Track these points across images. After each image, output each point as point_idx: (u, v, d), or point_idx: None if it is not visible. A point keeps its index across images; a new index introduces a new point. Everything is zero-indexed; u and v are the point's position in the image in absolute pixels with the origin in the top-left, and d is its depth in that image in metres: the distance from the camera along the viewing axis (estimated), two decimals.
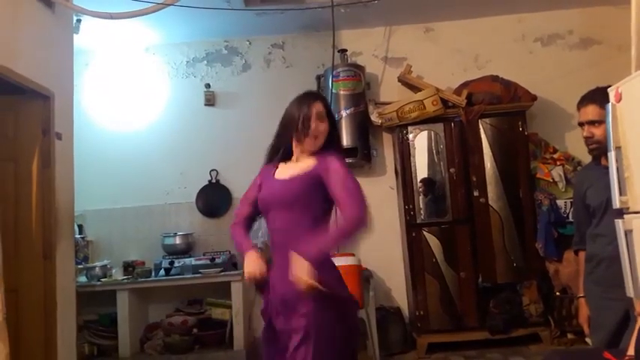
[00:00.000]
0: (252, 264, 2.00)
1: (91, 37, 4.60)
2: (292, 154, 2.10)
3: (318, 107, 2.03)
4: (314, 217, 1.98)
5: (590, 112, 2.23)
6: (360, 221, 1.89)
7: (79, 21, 4.03)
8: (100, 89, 5.07)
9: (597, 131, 2.20)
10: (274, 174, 2.10)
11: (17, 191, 3.27)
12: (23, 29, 3.22)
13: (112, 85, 5.08)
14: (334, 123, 2.12)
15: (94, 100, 5.04)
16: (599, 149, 2.22)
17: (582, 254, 2.40)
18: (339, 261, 4.08)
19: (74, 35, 3.94)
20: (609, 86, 2.08)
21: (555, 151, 4.62)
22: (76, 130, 3.82)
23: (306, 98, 2.08)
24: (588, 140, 2.26)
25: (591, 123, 2.23)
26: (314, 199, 1.97)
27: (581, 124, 2.30)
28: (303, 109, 2.02)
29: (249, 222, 2.19)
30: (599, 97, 2.19)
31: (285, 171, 2.06)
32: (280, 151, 2.11)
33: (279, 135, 2.12)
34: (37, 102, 3.34)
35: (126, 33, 4.76)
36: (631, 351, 1.44)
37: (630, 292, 1.86)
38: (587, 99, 2.27)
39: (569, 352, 2.37)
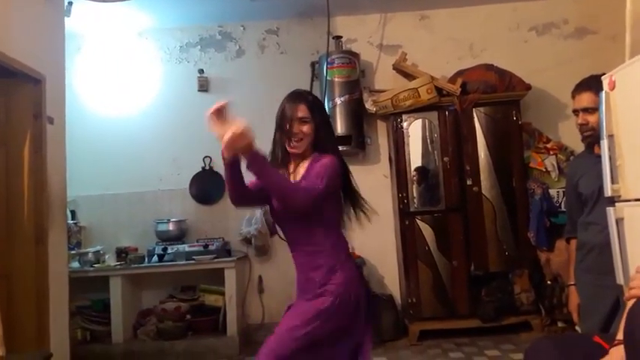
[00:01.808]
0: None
1: (83, 21, 4.55)
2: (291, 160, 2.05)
3: (300, 110, 1.97)
4: (326, 226, 1.98)
5: (585, 99, 2.23)
6: (291, 195, 1.87)
7: (70, 4, 3.96)
8: (93, 74, 5.02)
9: (592, 118, 2.20)
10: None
11: (8, 176, 3.25)
12: (14, 12, 3.18)
13: (105, 69, 5.04)
14: (324, 122, 2.05)
15: (86, 85, 5.00)
16: (592, 137, 2.22)
17: (574, 242, 2.42)
18: None
19: (65, 18, 3.89)
20: (604, 74, 2.08)
21: (549, 140, 4.63)
22: (68, 115, 3.79)
23: (289, 100, 2.02)
24: (582, 127, 2.27)
25: (586, 110, 2.23)
26: (319, 207, 1.92)
27: (575, 112, 2.30)
28: (286, 112, 1.99)
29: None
30: (594, 84, 2.18)
31: (292, 177, 2.03)
32: (280, 157, 2.03)
33: (273, 139, 2.06)
34: (29, 86, 3.31)
35: (118, 17, 4.71)
36: (620, 335, 1.46)
37: (620, 279, 1.88)
38: (582, 86, 2.27)
39: (560, 337, 2.39)
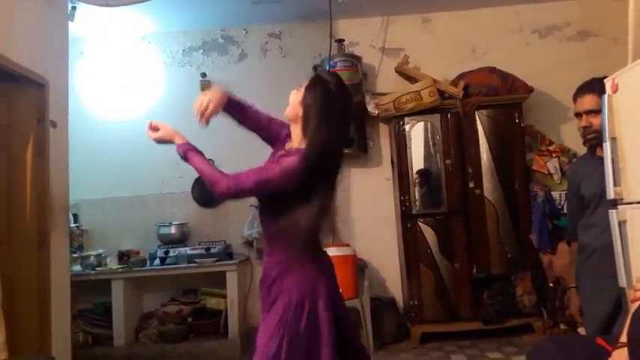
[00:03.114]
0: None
1: (87, 25, 4.56)
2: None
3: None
4: (280, 207, 1.83)
5: (588, 101, 2.23)
6: (212, 180, 1.88)
7: (74, 8, 3.98)
8: (96, 78, 5.04)
9: (595, 121, 2.19)
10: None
11: (11, 180, 3.25)
12: (18, 16, 3.19)
13: (108, 73, 5.05)
14: (313, 106, 1.84)
15: (89, 89, 5.01)
16: (596, 139, 2.21)
17: (575, 244, 2.41)
18: (334, 251, 4.14)
19: (69, 23, 3.90)
20: (606, 77, 2.08)
21: (551, 143, 4.63)
22: (71, 118, 3.80)
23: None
24: (586, 130, 2.26)
25: (589, 112, 2.23)
26: (277, 200, 1.83)
27: (578, 115, 2.30)
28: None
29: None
30: (597, 86, 2.18)
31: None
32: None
33: None
34: (32, 90, 3.31)
35: (121, 21, 4.72)
36: (624, 338, 1.45)
37: (623, 281, 1.88)
38: (584, 89, 2.27)
39: (563, 339, 2.38)
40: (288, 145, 1.94)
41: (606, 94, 2.00)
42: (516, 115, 4.44)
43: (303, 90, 1.88)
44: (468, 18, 4.98)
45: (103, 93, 5.03)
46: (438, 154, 4.45)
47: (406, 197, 4.42)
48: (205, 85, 1.64)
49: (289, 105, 1.92)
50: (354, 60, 4.72)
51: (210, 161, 1.99)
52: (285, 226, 1.81)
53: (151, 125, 2.02)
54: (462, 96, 4.42)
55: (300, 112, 1.86)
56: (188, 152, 1.93)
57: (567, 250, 2.60)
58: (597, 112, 2.16)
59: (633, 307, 1.51)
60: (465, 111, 4.43)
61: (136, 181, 4.91)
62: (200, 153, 1.94)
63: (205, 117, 1.91)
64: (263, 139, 2.07)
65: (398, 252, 4.69)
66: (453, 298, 4.30)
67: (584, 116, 2.26)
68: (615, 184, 1.94)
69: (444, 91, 4.46)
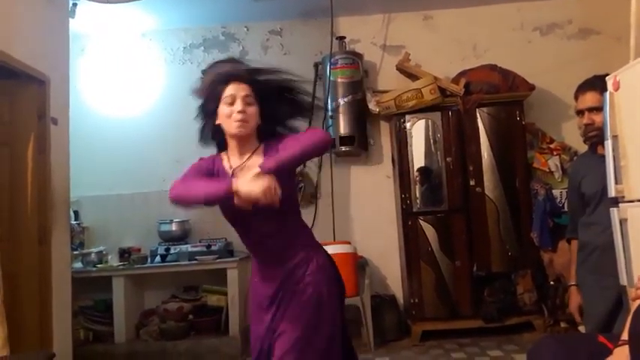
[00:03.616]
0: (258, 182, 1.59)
1: (87, 22, 4.56)
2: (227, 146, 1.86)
3: (242, 89, 1.79)
4: (297, 213, 1.87)
5: (590, 99, 2.22)
6: (323, 136, 1.75)
7: (74, 5, 3.98)
8: (96, 75, 5.04)
9: (597, 118, 2.19)
10: (228, 168, 1.84)
11: (12, 176, 3.26)
12: (19, 13, 3.19)
13: (108, 70, 5.05)
14: (271, 99, 1.81)
15: (90, 86, 5.01)
16: (598, 137, 2.21)
17: (575, 243, 2.41)
18: (334, 249, 4.14)
19: (70, 19, 3.90)
20: (608, 74, 2.08)
21: (552, 141, 4.62)
22: (72, 115, 3.80)
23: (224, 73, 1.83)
24: (588, 127, 2.25)
25: (591, 110, 2.22)
26: (287, 195, 1.69)
27: (579, 112, 2.29)
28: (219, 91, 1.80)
29: None
30: (599, 84, 2.17)
31: (247, 173, 1.67)
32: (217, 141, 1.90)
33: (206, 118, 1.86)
34: (33, 87, 3.31)
35: (122, 18, 4.72)
36: (625, 335, 1.45)
37: (624, 280, 1.88)
38: (586, 86, 2.27)
39: (564, 337, 2.39)
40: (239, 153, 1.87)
41: (608, 92, 1.99)
42: (517, 112, 4.43)
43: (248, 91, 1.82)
44: (469, 15, 4.97)
45: (103, 90, 5.03)
46: (438, 152, 4.45)
47: (407, 195, 4.42)
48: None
49: (252, 120, 1.81)
50: (355, 57, 4.71)
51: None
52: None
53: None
54: (463, 94, 4.41)
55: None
56: (272, 164, 1.65)
57: (567, 247, 2.59)
58: (599, 109, 2.16)
59: (634, 305, 1.52)
60: (465, 109, 4.42)
61: (137, 178, 4.91)
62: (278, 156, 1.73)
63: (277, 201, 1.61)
64: None
65: (399, 250, 4.69)
66: (454, 296, 4.30)
67: (586, 114, 2.25)
68: (617, 182, 1.94)
69: (445, 89, 4.46)
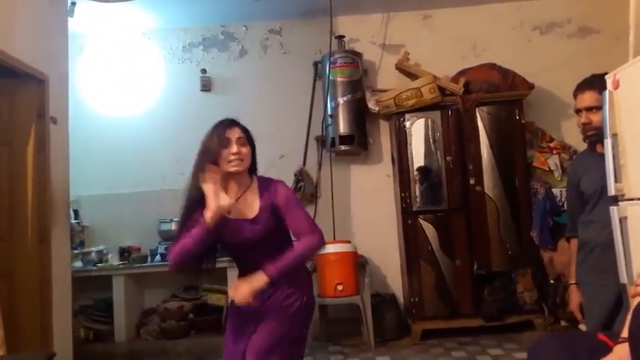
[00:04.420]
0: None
1: (86, 21, 4.56)
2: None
3: (237, 132, 2.03)
4: (285, 243, 2.05)
5: (588, 98, 2.22)
6: (317, 247, 2.05)
7: (73, 4, 3.97)
8: (96, 74, 5.04)
9: (595, 117, 2.19)
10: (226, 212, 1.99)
11: (12, 176, 3.25)
12: (18, 12, 3.18)
13: (108, 69, 5.05)
14: (253, 144, 2.10)
15: (89, 85, 5.01)
16: (596, 136, 2.21)
17: (574, 241, 2.41)
18: (335, 248, 4.14)
19: (69, 18, 3.90)
20: (607, 73, 2.08)
21: (552, 139, 4.62)
22: (72, 114, 3.80)
23: (221, 125, 2.07)
24: (586, 127, 2.25)
25: (589, 109, 2.22)
26: (283, 229, 2.04)
27: (578, 111, 2.29)
28: (223, 135, 2.02)
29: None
30: (597, 83, 2.17)
31: (239, 210, 2.00)
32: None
33: (199, 165, 2.03)
34: (32, 86, 3.31)
35: (121, 17, 4.72)
36: (625, 333, 1.46)
37: (624, 278, 1.88)
38: (584, 85, 2.26)
39: (565, 335, 2.39)
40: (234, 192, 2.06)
41: (607, 91, 1.99)
42: (517, 111, 4.43)
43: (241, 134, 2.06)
44: (468, 14, 4.97)
45: (103, 89, 5.03)
46: (438, 151, 4.45)
47: (407, 194, 4.42)
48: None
49: (247, 159, 2.05)
50: (355, 56, 4.72)
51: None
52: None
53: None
54: (463, 93, 4.41)
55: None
56: (274, 273, 1.94)
57: (567, 246, 2.59)
58: (597, 108, 2.16)
59: (634, 302, 1.52)
60: (465, 108, 4.42)
61: (137, 177, 4.91)
62: (278, 262, 1.96)
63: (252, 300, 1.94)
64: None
65: (398, 249, 4.69)
66: (454, 295, 4.30)
67: (583, 113, 2.25)
68: (616, 181, 1.94)
69: (444, 88, 4.46)
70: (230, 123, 2.06)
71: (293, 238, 2.08)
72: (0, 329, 2.56)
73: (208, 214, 1.89)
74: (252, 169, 2.11)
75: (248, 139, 2.06)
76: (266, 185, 2.06)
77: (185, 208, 2.03)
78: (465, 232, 4.35)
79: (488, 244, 4.34)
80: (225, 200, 1.91)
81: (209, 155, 2.00)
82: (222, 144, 1.99)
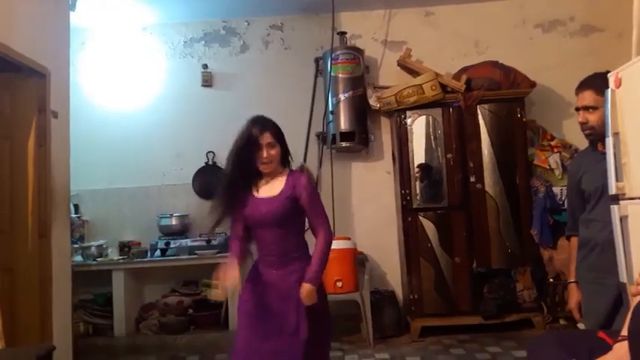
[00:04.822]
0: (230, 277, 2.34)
1: (88, 16, 4.55)
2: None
3: (266, 137, 2.29)
4: (297, 229, 2.37)
5: (586, 97, 2.23)
6: (331, 242, 2.33)
7: None
8: (97, 68, 5.03)
9: (592, 117, 2.20)
10: (255, 192, 2.36)
11: (12, 169, 3.25)
12: (19, 6, 3.18)
13: (109, 64, 5.04)
14: (285, 144, 2.38)
15: (90, 80, 5.01)
16: (592, 135, 2.24)
17: (574, 240, 2.41)
18: (334, 244, 4.13)
19: (70, 13, 3.89)
20: (608, 72, 2.07)
21: (553, 138, 4.62)
22: (72, 109, 3.79)
23: (255, 127, 2.32)
24: (583, 126, 2.26)
25: (586, 109, 2.22)
26: (296, 215, 2.32)
27: (577, 109, 2.30)
28: (254, 138, 2.29)
29: (246, 237, 2.44)
30: (596, 83, 2.18)
31: (265, 190, 2.35)
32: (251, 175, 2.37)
33: (238, 159, 2.34)
34: (33, 80, 3.30)
35: (123, 12, 4.71)
36: (625, 331, 1.46)
37: (624, 277, 1.88)
38: (584, 85, 2.27)
39: (564, 333, 2.39)
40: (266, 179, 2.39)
41: (609, 89, 1.99)
42: (518, 109, 4.43)
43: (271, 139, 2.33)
44: (470, 12, 4.96)
45: (104, 84, 5.03)
46: (439, 148, 4.44)
47: (407, 191, 4.42)
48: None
49: (274, 160, 2.35)
50: (356, 53, 4.71)
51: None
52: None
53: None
54: (464, 90, 4.41)
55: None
56: (314, 280, 2.26)
57: (567, 245, 2.60)
58: (594, 108, 2.17)
59: (634, 301, 1.52)
60: (466, 105, 4.42)
61: (137, 172, 4.91)
62: (313, 270, 2.28)
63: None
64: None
65: (398, 246, 4.70)
66: (453, 293, 4.31)
67: (581, 112, 2.25)
68: (617, 180, 1.94)
69: (446, 85, 4.45)
70: (262, 129, 2.31)
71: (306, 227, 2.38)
72: None
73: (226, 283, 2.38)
74: (285, 160, 2.39)
75: (278, 138, 2.33)
76: (293, 176, 2.36)
77: (226, 189, 2.38)
78: (465, 229, 4.35)
79: (488, 241, 4.34)
80: (230, 284, 2.36)
81: (244, 156, 2.31)
82: (254, 149, 2.29)
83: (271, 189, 2.34)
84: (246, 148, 2.30)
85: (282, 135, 2.37)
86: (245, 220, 2.37)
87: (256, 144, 2.28)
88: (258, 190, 2.35)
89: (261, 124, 2.33)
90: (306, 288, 2.22)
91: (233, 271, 2.33)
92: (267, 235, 2.33)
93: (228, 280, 2.32)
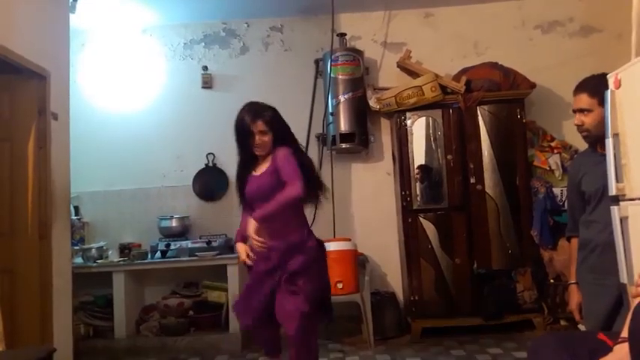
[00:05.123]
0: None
1: (88, 18, 4.55)
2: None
3: (259, 125, 2.53)
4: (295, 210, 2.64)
5: (580, 100, 2.24)
6: (296, 195, 2.49)
7: (74, 0, 3.97)
8: (97, 70, 5.03)
9: (587, 119, 2.21)
10: (253, 171, 2.67)
11: (13, 171, 3.25)
12: (19, 8, 3.18)
13: (109, 66, 5.04)
14: (281, 127, 2.61)
15: (90, 81, 5.01)
16: (588, 137, 2.25)
17: (575, 241, 2.41)
18: (335, 246, 4.14)
19: (70, 15, 3.89)
20: (604, 73, 2.08)
21: (553, 139, 4.62)
22: (73, 111, 3.80)
23: (247, 115, 2.56)
24: (579, 128, 2.28)
25: (581, 111, 2.24)
26: (280, 188, 2.51)
27: (574, 112, 2.31)
28: (246, 127, 2.55)
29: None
30: (590, 85, 2.20)
31: (258, 169, 2.65)
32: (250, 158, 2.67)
33: (241, 145, 2.66)
34: (33, 82, 3.31)
35: (123, 13, 4.72)
36: (625, 333, 1.46)
37: (624, 278, 1.88)
38: (579, 87, 2.28)
39: (564, 334, 2.39)
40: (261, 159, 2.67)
41: (609, 90, 1.99)
42: (518, 110, 4.43)
43: (264, 127, 2.59)
44: (470, 13, 4.96)
45: (104, 86, 5.03)
46: (439, 150, 4.44)
47: (407, 192, 4.42)
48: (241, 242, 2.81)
49: (265, 145, 2.61)
50: (356, 54, 4.71)
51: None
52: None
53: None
54: (464, 91, 4.41)
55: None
56: (259, 216, 2.53)
57: (568, 246, 2.60)
58: (589, 111, 2.19)
59: (634, 302, 1.51)
60: (466, 106, 4.42)
61: (138, 174, 4.91)
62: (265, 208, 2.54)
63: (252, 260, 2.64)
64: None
65: (399, 247, 4.69)
66: (454, 294, 4.31)
67: (577, 114, 2.26)
68: (617, 181, 1.93)
69: (445, 86, 4.45)
70: (254, 117, 2.53)
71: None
72: (0, 325, 2.56)
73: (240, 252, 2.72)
74: (281, 140, 2.59)
75: (271, 124, 2.55)
76: (275, 151, 2.58)
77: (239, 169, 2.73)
78: (465, 230, 4.35)
79: (489, 242, 4.34)
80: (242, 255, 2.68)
81: (241, 142, 2.62)
82: (247, 135, 2.54)
83: (262, 167, 2.62)
84: (241, 135, 2.57)
85: (276, 119, 2.59)
86: (246, 198, 2.67)
87: (249, 131, 2.52)
88: (255, 170, 2.65)
89: (254, 113, 2.55)
90: (252, 224, 2.52)
91: (240, 247, 2.69)
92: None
93: (241, 255, 2.66)
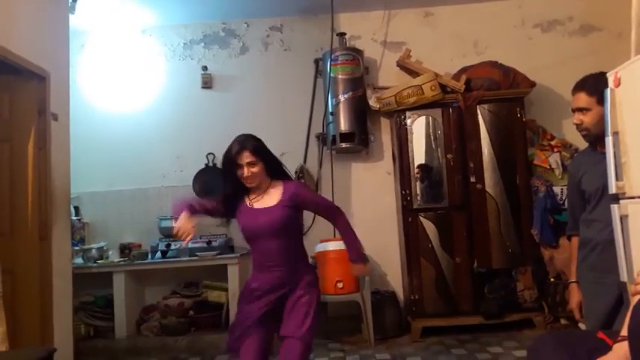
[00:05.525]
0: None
1: (87, 18, 4.55)
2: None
3: (246, 156, 2.36)
4: (295, 235, 2.48)
5: (579, 99, 2.24)
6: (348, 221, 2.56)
7: (74, 1, 3.97)
8: (97, 71, 5.03)
9: (585, 118, 2.21)
10: (248, 204, 2.46)
11: (13, 172, 3.25)
12: (19, 9, 3.18)
13: (109, 66, 5.05)
14: (269, 156, 2.45)
15: (90, 82, 5.01)
16: (587, 136, 2.25)
17: (575, 240, 2.41)
18: (335, 245, 4.14)
19: (70, 15, 3.89)
20: (602, 72, 2.08)
21: (553, 138, 4.62)
22: (72, 111, 3.80)
23: (233, 148, 2.40)
24: (578, 127, 2.28)
25: (580, 110, 2.24)
26: (295, 222, 2.45)
27: (573, 111, 2.31)
28: (234, 158, 2.39)
29: (201, 208, 2.63)
30: (589, 84, 2.20)
31: (261, 202, 2.43)
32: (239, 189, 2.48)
33: (229, 175, 2.46)
34: (33, 82, 3.31)
35: (122, 14, 4.72)
36: (624, 331, 1.46)
37: (624, 276, 1.88)
38: (577, 86, 2.28)
39: (564, 333, 2.39)
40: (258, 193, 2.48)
41: (609, 89, 1.99)
42: (518, 109, 4.42)
43: (251, 158, 2.40)
44: (470, 12, 4.96)
45: (104, 86, 5.03)
46: (439, 149, 4.44)
47: (407, 191, 4.42)
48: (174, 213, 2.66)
49: (256, 176, 2.42)
50: (356, 54, 4.71)
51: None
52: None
53: None
54: (464, 90, 4.41)
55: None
56: (360, 256, 2.65)
57: (568, 245, 2.60)
58: (587, 110, 2.19)
59: (634, 300, 1.52)
60: (466, 105, 4.42)
61: (138, 174, 4.92)
62: (355, 248, 2.67)
63: (187, 240, 2.55)
64: (222, 216, 2.67)
65: (399, 246, 4.70)
66: (454, 293, 4.31)
67: (576, 113, 2.26)
68: (617, 179, 1.93)
69: (445, 85, 4.45)
70: (239, 150, 2.38)
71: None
72: (2, 325, 2.56)
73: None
74: (274, 172, 2.46)
75: (258, 154, 2.39)
76: (289, 185, 2.47)
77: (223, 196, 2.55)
78: (466, 229, 4.35)
79: (489, 241, 4.34)
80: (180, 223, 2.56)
81: (228, 177, 2.45)
82: (235, 169, 2.39)
83: (268, 200, 2.42)
84: (228, 169, 2.43)
85: (264, 150, 2.44)
86: (242, 231, 2.48)
87: (237, 164, 2.38)
88: (251, 203, 2.45)
89: (240, 144, 2.40)
90: (358, 267, 2.56)
91: (185, 218, 2.57)
92: (271, 245, 2.38)
93: (182, 225, 2.55)
